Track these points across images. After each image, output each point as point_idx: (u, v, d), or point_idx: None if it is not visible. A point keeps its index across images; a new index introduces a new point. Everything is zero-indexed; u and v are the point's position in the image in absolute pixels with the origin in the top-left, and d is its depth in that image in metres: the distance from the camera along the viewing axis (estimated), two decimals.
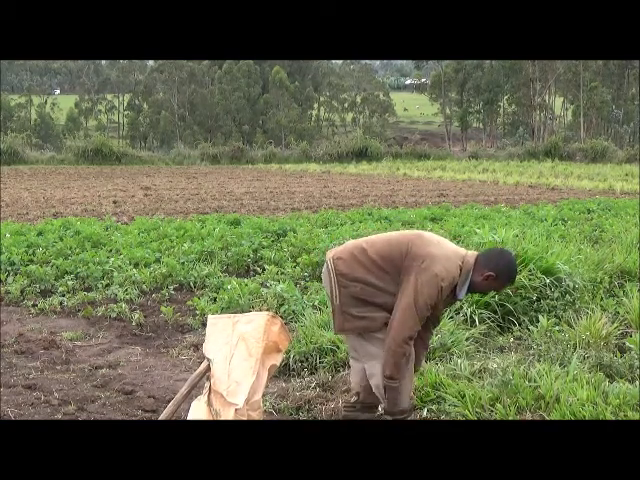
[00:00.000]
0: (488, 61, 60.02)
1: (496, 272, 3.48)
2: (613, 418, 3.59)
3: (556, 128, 63.15)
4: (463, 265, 3.47)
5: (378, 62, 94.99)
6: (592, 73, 58.16)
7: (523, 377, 4.04)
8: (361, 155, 39.39)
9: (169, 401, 3.76)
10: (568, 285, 5.86)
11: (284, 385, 4.58)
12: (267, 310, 5.41)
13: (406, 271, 3.45)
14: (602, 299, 6.09)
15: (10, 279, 7.38)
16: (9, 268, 7.70)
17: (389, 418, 3.59)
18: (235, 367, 3.37)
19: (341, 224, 11.36)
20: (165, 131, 59.02)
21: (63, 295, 6.94)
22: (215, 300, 6.53)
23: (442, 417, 3.93)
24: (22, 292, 7.04)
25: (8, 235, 9.04)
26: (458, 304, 5.43)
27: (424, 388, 4.14)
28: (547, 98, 61.88)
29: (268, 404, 4.22)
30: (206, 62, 60.19)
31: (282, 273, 7.54)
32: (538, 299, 5.68)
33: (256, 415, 3.33)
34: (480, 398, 3.89)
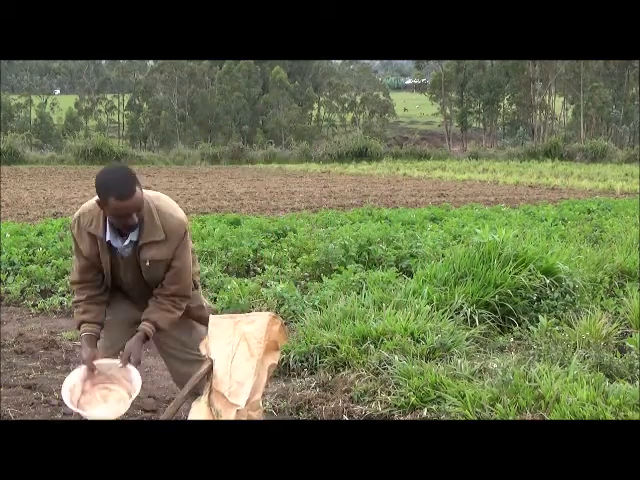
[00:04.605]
0: (489, 61, 60.03)
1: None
2: (613, 418, 3.58)
3: (556, 128, 63.18)
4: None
5: (378, 62, 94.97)
6: (592, 73, 58.19)
7: (523, 377, 4.04)
8: (361, 155, 39.41)
9: (169, 401, 3.76)
10: (568, 285, 5.86)
11: (284, 385, 4.58)
12: (267, 310, 5.41)
13: None
14: (602, 299, 6.09)
15: (10, 279, 7.38)
16: (9, 268, 7.70)
17: None
18: (237, 367, 3.36)
19: (341, 224, 11.35)
20: (165, 131, 59.04)
21: (63, 295, 6.94)
22: (215, 300, 6.53)
23: (442, 417, 3.92)
24: (22, 292, 7.04)
25: (8, 235, 9.04)
26: (458, 304, 5.42)
27: (424, 388, 4.14)
28: (547, 98, 61.89)
29: (268, 404, 4.22)
30: (206, 62, 60.21)
31: (282, 273, 7.54)
32: (538, 299, 5.68)
33: (256, 415, 3.32)
34: (480, 398, 3.88)
